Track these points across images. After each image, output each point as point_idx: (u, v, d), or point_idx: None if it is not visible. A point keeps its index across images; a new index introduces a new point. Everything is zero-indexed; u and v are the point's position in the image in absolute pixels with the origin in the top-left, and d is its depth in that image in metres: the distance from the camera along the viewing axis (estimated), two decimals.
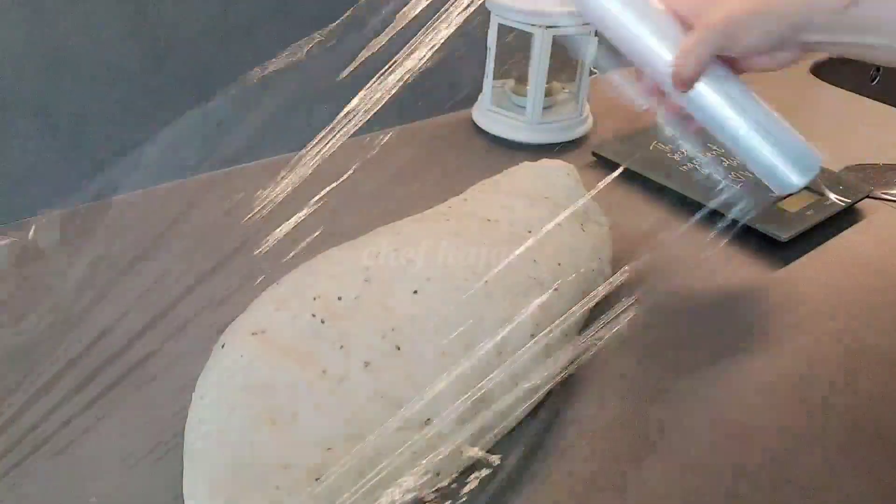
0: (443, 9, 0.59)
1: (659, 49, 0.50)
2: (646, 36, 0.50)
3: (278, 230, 0.63)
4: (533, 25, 0.73)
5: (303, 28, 0.71)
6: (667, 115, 0.54)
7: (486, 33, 0.78)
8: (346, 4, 0.72)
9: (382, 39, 0.61)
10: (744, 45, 0.48)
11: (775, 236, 0.64)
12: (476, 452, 0.41)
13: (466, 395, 0.40)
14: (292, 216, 0.65)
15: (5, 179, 0.60)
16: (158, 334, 0.51)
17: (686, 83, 0.50)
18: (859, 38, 0.45)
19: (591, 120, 0.83)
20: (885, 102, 0.96)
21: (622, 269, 0.54)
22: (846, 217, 0.69)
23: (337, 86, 0.76)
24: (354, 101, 0.62)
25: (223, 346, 0.42)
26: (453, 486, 0.40)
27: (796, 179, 0.52)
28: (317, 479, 0.36)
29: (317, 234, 0.55)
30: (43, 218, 0.62)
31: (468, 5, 0.58)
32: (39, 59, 0.58)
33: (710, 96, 0.51)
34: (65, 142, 0.62)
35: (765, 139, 0.52)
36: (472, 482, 0.41)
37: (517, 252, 0.47)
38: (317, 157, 0.75)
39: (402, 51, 0.61)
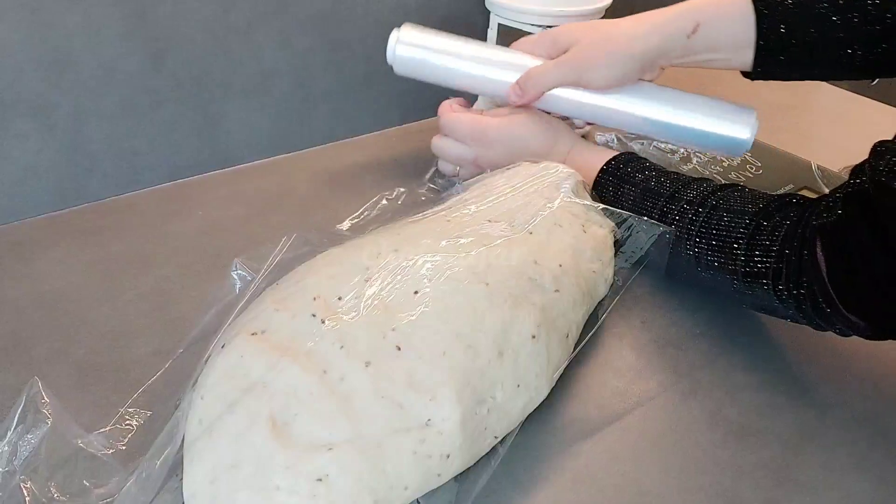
0: None
1: (506, 78, 0.62)
2: (496, 72, 0.62)
3: (278, 230, 0.63)
4: (533, 25, 0.73)
5: (302, 28, 0.71)
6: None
7: (485, 33, 0.78)
8: (345, 5, 0.72)
9: None
10: (597, 84, 0.59)
11: None
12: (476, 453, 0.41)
13: (467, 396, 0.40)
14: (292, 215, 0.65)
15: (4, 179, 0.60)
16: (158, 334, 0.51)
17: (523, 100, 0.61)
18: (702, 56, 0.56)
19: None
20: (884, 102, 0.96)
21: (622, 270, 0.54)
22: None
23: (337, 86, 0.76)
24: None
25: (223, 347, 0.42)
26: (454, 486, 0.40)
27: (741, 134, 0.60)
28: (318, 480, 0.35)
29: (316, 233, 0.55)
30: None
31: None
32: (39, 59, 0.58)
33: (625, 101, 0.60)
34: (64, 142, 0.62)
35: (695, 114, 0.60)
36: (473, 482, 0.41)
37: (518, 253, 0.47)
38: (316, 157, 0.76)
39: None
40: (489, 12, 0.76)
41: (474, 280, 0.44)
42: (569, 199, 0.55)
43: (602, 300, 0.52)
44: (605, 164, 0.57)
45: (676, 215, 0.51)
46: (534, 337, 0.44)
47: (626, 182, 0.55)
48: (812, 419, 0.47)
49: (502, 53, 0.63)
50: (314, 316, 0.42)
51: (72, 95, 0.60)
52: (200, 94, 0.67)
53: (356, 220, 0.59)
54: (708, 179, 0.53)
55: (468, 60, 0.63)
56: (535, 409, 0.44)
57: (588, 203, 0.55)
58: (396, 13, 0.76)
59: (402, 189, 0.65)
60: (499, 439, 0.42)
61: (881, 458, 0.45)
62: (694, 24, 0.54)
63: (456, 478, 0.40)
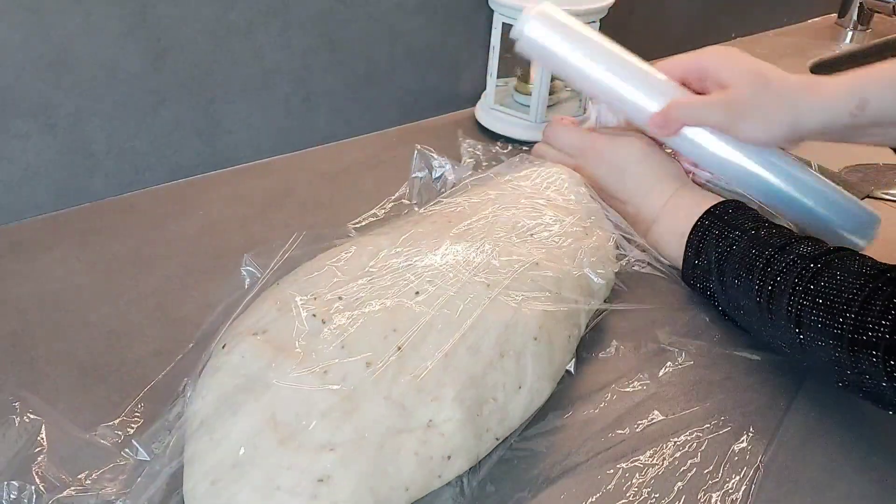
0: None
1: (646, 103, 0.58)
2: (636, 92, 0.58)
3: (279, 229, 0.63)
4: None
5: (302, 28, 0.71)
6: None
7: (489, 32, 0.78)
8: (345, 5, 0.72)
9: None
10: (746, 138, 0.56)
11: None
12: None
13: (469, 397, 0.40)
14: (293, 215, 0.65)
15: (4, 179, 0.60)
16: (158, 334, 0.51)
17: (663, 134, 0.58)
18: (866, 133, 0.53)
19: (593, 118, 0.83)
20: None
21: (623, 271, 0.54)
22: None
23: (337, 86, 0.76)
24: None
25: (224, 347, 0.42)
26: (455, 487, 0.40)
27: (859, 242, 0.60)
28: (319, 481, 0.36)
29: (316, 234, 0.55)
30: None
31: None
32: (39, 59, 0.58)
33: (759, 165, 0.57)
34: (64, 142, 0.62)
35: (824, 207, 0.59)
36: (473, 483, 0.41)
37: (519, 254, 0.47)
38: (316, 157, 0.76)
39: None
40: (492, 11, 0.76)
41: (476, 281, 0.44)
42: (570, 201, 0.55)
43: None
44: (712, 207, 0.55)
45: (784, 267, 0.47)
46: (535, 338, 0.44)
47: (735, 228, 0.52)
48: (812, 419, 0.47)
49: (642, 72, 0.59)
50: (314, 316, 0.42)
51: (72, 95, 0.60)
52: (201, 94, 0.67)
53: (363, 222, 0.60)
54: (822, 241, 0.50)
55: (603, 66, 0.59)
56: (536, 410, 0.44)
57: (590, 205, 0.55)
58: (396, 13, 0.76)
59: (403, 190, 0.65)
60: (500, 441, 0.42)
61: (881, 459, 0.45)
62: (862, 101, 0.51)
63: (455, 478, 0.40)
